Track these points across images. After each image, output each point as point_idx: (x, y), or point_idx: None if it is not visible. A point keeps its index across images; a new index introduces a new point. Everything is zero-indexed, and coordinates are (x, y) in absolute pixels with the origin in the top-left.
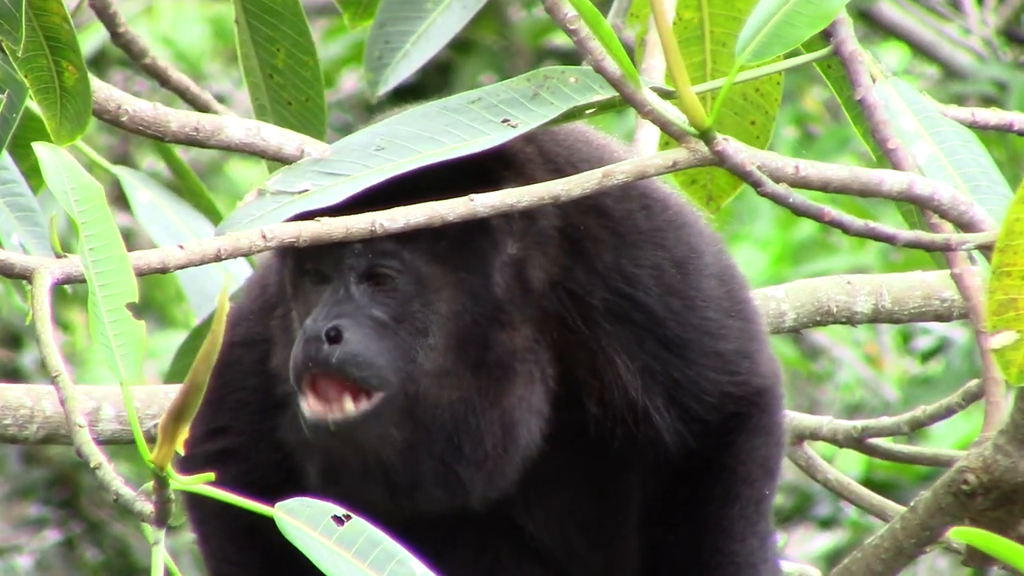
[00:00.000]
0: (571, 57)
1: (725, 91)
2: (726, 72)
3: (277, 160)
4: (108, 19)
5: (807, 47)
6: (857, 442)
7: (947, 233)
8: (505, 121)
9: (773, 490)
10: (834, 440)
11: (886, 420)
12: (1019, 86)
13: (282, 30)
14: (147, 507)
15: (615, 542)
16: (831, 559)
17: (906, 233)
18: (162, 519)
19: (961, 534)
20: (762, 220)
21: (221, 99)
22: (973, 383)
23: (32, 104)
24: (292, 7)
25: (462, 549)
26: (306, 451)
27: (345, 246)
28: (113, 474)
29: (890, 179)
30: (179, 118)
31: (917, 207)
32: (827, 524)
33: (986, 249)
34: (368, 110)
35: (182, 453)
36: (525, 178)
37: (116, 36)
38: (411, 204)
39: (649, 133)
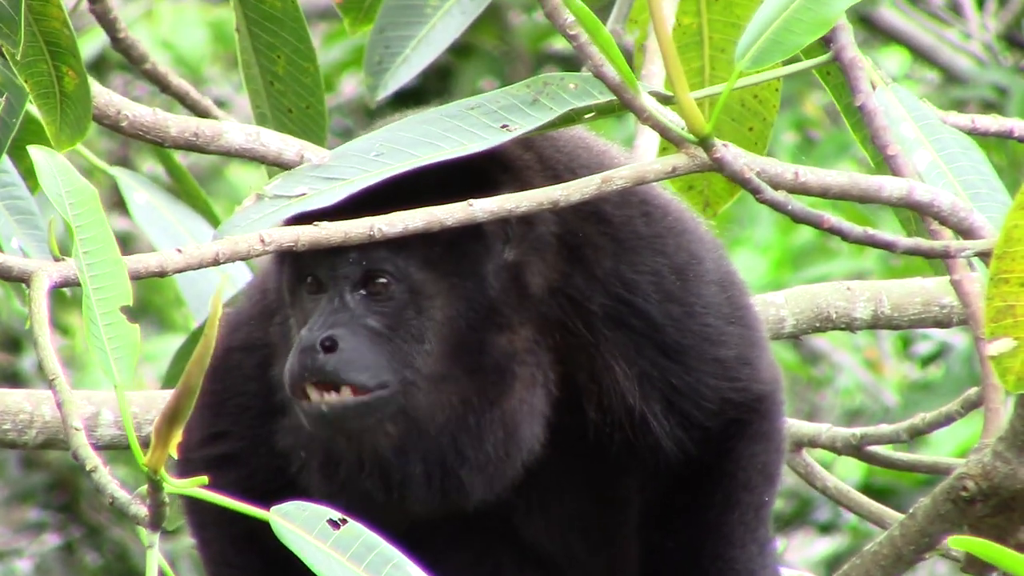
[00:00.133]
0: (571, 61)
1: (724, 97)
2: (725, 78)
3: (277, 165)
4: (108, 24)
5: (806, 53)
6: (856, 450)
7: (946, 240)
8: (504, 127)
9: (773, 496)
10: (833, 447)
11: (885, 428)
12: (1020, 91)
13: (283, 37)
14: (142, 510)
15: (615, 547)
16: (831, 564)
17: (905, 240)
18: (156, 522)
19: (960, 542)
20: (762, 225)
21: (221, 104)
22: (972, 391)
23: (32, 108)
24: (293, 14)
25: (463, 554)
26: (306, 448)
27: (340, 254)
28: (109, 477)
29: (890, 185)
30: (179, 123)
31: (916, 214)
32: (827, 529)
33: (985, 256)
34: (368, 114)
35: (176, 456)
36: (523, 184)
37: (116, 41)
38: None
39: (649, 139)
